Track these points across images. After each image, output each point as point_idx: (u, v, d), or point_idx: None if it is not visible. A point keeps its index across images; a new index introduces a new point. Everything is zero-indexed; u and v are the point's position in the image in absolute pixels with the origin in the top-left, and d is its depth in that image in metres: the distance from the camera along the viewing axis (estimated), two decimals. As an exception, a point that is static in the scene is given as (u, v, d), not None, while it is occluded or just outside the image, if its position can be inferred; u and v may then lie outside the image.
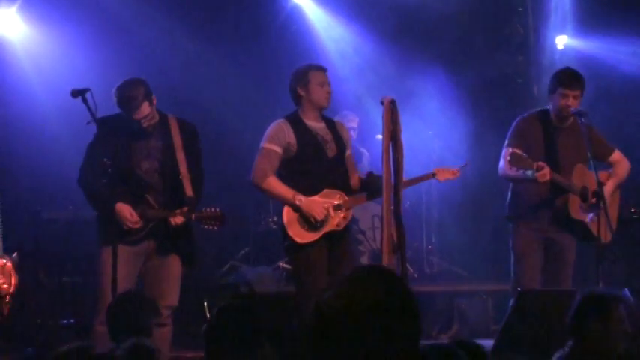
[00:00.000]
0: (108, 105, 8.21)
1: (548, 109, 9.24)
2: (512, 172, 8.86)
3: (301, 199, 8.37)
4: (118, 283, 7.83)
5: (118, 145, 8.19)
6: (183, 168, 8.23)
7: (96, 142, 8.17)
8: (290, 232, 8.43)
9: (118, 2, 12.25)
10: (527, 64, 13.74)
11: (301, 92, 8.50)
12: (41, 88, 11.75)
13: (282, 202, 8.49)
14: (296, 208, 8.40)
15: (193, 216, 8.18)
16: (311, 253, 8.42)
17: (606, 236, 8.83)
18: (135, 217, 8.07)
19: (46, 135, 11.55)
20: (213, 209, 8.32)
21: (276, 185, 8.45)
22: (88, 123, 7.87)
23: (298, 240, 8.42)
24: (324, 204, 8.42)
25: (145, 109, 8.10)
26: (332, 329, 3.08)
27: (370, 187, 8.65)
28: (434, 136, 12.43)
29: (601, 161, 9.21)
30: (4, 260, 9.37)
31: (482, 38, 13.64)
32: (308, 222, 8.39)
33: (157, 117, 8.24)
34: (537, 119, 9.27)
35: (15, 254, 9.51)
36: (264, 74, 12.94)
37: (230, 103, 12.20)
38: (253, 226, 11.27)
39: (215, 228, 8.47)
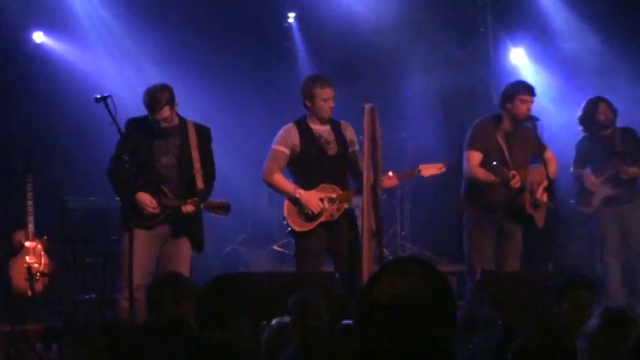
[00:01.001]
0: (126, 108, 8.36)
1: (500, 115, 9.29)
2: (481, 175, 9.01)
3: (301, 193, 8.53)
4: (140, 264, 7.99)
5: (142, 142, 8.29)
6: (197, 164, 8.31)
7: (122, 140, 8.21)
8: (290, 222, 8.60)
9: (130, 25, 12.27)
10: (487, 76, 13.69)
11: (308, 104, 8.64)
12: (69, 94, 11.72)
13: (285, 195, 8.63)
14: (295, 202, 8.54)
15: (203, 205, 8.26)
16: (308, 240, 8.59)
17: (540, 222, 9.09)
18: (154, 204, 8.17)
19: (72, 135, 11.53)
20: (220, 200, 8.43)
21: (280, 181, 8.63)
22: (110, 124, 7.89)
23: (297, 229, 8.60)
24: (319, 196, 8.55)
25: (165, 112, 8.17)
26: (384, 316, 2.91)
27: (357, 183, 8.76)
28: (408, 139, 12.41)
29: (537, 157, 9.31)
30: (35, 243, 9.47)
31: (447, 54, 13.58)
32: (305, 213, 8.53)
33: (177, 120, 8.33)
34: (492, 123, 9.31)
35: (44, 238, 9.60)
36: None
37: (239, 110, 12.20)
38: (251, 215, 11.31)
39: (221, 216, 8.59)
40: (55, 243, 9.78)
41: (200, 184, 8.31)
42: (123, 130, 8.11)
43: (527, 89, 9.25)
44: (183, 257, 8.36)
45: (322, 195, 8.58)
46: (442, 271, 2.98)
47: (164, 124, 8.25)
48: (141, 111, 8.30)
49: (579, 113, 10.21)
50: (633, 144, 9.95)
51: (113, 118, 7.94)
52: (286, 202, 8.64)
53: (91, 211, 10.78)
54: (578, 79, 12.43)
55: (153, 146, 8.33)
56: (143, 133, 8.33)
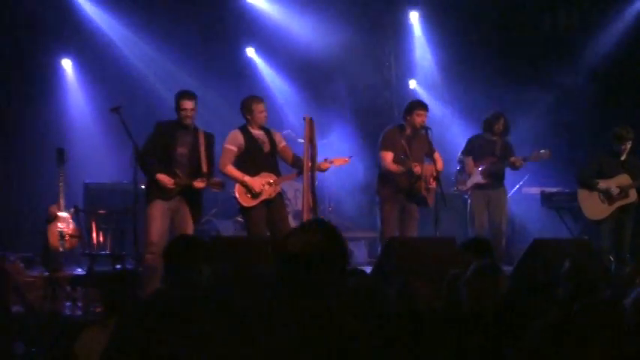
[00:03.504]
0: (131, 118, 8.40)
1: (403, 124, 9.31)
2: (394, 168, 9.06)
3: (247, 179, 8.56)
4: (158, 226, 8.20)
5: (166, 137, 8.35)
6: (202, 155, 8.39)
7: (150, 136, 8.34)
8: (240, 201, 8.61)
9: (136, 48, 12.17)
10: (391, 99, 13.72)
11: (248, 116, 8.66)
12: (90, 104, 11.72)
13: (236, 180, 8.63)
14: (243, 184, 8.57)
15: (207, 182, 8.35)
16: (253, 213, 8.61)
17: (431, 203, 9.11)
18: (171, 181, 8.23)
19: (93, 132, 11.53)
20: (216, 178, 8.52)
21: (231, 170, 8.59)
22: (128, 136, 8.00)
23: (245, 204, 8.60)
24: (261, 181, 8.59)
25: (191, 104, 8.30)
26: (295, 262, 2.97)
27: (299, 166, 8.78)
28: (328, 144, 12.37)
29: (429, 157, 9.26)
30: (65, 213, 9.45)
31: (364, 81, 13.58)
32: (251, 193, 8.57)
33: (192, 125, 8.41)
34: (397, 130, 9.32)
35: (72, 209, 9.56)
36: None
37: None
38: (220, 194, 11.31)
39: (218, 190, 8.76)
40: (80, 213, 9.73)
41: (205, 169, 8.37)
42: (133, 134, 8.07)
43: (422, 106, 9.31)
44: (188, 226, 8.37)
45: (262, 180, 8.60)
46: (338, 231, 3.08)
47: (185, 118, 8.33)
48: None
49: (485, 118, 10.08)
50: (507, 152, 9.89)
51: (123, 123, 7.98)
52: (237, 186, 8.63)
53: (106, 189, 10.78)
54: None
55: (174, 139, 8.37)
56: (169, 131, 8.38)
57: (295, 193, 11.61)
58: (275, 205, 8.68)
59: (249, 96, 8.91)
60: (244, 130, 8.69)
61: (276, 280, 3.01)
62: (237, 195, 8.64)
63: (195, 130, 8.49)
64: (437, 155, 9.33)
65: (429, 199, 9.16)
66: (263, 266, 6.65)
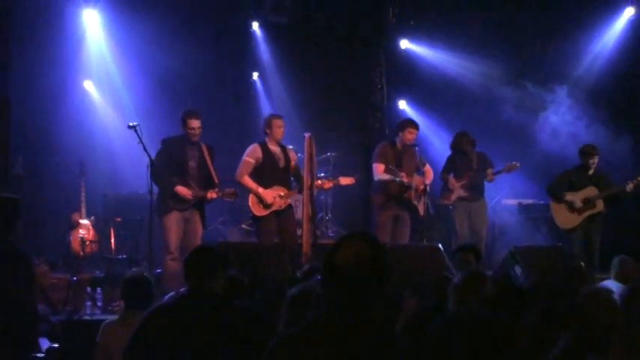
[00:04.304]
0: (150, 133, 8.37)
1: (394, 140, 9.39)
2: (385, 178, 9.04)
3: (260, 190, 8.60)
4: (175, 235, 8.24)
5: (178, 152, 8.38)
6: (210, 166, 8.42)
7: (160, 153, 8.34)
8: (252, 210, 8.68)
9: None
10: (382, 118, 13.73)
11: (267, 131, 8.73)
12: (109, 122, 11.76)
13: (250, 190, 8.67)
14: (257, 195, 8.61)
15: (221, 193, 8.40)
16: (264, 221, 8.67)
17: (421, 213, 9.11)
18: (190, 193, 8.28)
19: (112, 147, 11.46)
20: (230, 188, 8.56)
21: (247, 181, 8.66)
22: (137, 143, 7.96)
23: (257, 214, 8.67)
24: (273, 194, 8.64)
25: (197, 123, 8.35)
26: (342, 274, 2.77)
27: (299, 183, 8.86)
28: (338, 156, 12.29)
29: (419, 170, 9.29)
30: (87, 221, 9.48)
31: (360, 101, 13.62)
32: (263, 203, 8.62)
33: (198, 139, 8.43)
34: (389, 145, 9.40)
35: (92, 218, 9.59)
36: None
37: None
38: (227, 204, 11.28)
39: (232, 199, 8.82)
40: (99, 221, 9.75)
41: (216, 179, 8.43)
42: (149, 147, 8.07)
43: (414, 124, 9.38)
44: (198, 232, 8.44)
45: (274, 193, 8.65)
46: (382, 244, 2.88)
47: (192, 136, 8.35)
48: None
49: (452, 140, 10.17)
50: (484, 164, 9.97)
51: (140, 139, 7.98)
52: (251, 196, 8.69)
53: (123, 199, 10.72)
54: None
55: (185, 154, 8.40)
56: (178, 146, 8.41)
57: (295, 202, 11.60)
58: (285, 215, 8.73)
59: (270, 113, 9.07)
60: (263, 145, 8.77)
61: (322, 291, 2.84)
62: (250, 204, 8.69)
63: (199, 143, 8.51)
64: (427, 168, 9.43)
65: (420, 209, 9.16)
66: (273, 270, 6.65)
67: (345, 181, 9.12)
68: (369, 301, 2.78)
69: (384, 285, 2.81)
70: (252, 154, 8.75)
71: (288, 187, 8.81)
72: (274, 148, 8.77)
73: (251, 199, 8.70)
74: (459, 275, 4.56)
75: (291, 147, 9.23)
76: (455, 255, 6.72)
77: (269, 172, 8.72)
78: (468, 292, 4.32)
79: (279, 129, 8.72)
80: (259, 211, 8.65)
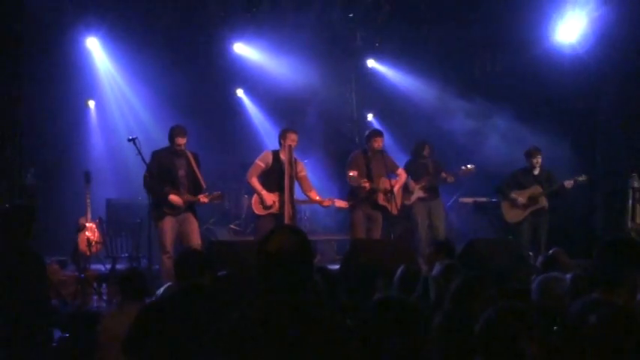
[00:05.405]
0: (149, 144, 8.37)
1: (365, 148, 9.37)
2: (353, 183, 8.99)
3: (263, 193, 8.56)
4: (169, 238, 8.16)
5: (168, 162, 8.28)
6: (197, 173, 8.33)
7: (151, 164, 8.19)
8: (253, 207, 8.64)
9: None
10: (353, 128, 13.76)
11: (282, 141, 8.67)
12: (109, 136, 11.71)
13: (255, 191, 8.63)
14: (259, 196, 8.58)
15: (209, 197, 8.31)
16: (262, 220, 8.61)
17: (394, 211, 9.09)
18: (181, 200, 8.19)
19: (113, 158, 11.46)
20: (217, 192, 8.46)
21: (254, 182, 8.61)
22: (137, 155, 7.89)
23: (257, 212, 8.63)
24: (273, 197, 8.59)
25: (184, 140, 8.24)
26: (274, 261, 2.86)
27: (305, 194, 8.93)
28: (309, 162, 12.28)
29: (393, 173, 9.36)
30: (92, 224, 9.42)
31: (330, 114, 13.67)
32: (263, 204, 8.58)
33: (184, 149, 8.35)
34: (361, 154, 9.36)
35: (97, 220, 9.53)
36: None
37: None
38: (217, 206, 11.27)
39: (220, 202, 8.77)
40: (103, 223, 9.69)
41: (203, 185, 8.34)
42: (147, 158, 8.00)
43: (379, 133, 9.39)
44: (195, 231, 8.35)
45: (275, 197, 8.59)
46: (304, 232, 3.00)
47: (179, 148, 8.26)
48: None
49: (413, 148, 10.20)
50: (438, 169, 9.96)
51: (139, 151, 7.88)
52: (255, 195, 8.66)
53: (124, 204, 10.72)
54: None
55: (174, 165, 8.33)
56: (167, 157, 8.31)
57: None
58: (282, 218, 8.57)
59: (287, 127, 8.96)
60: (275, 153, 8.72)
61: (258, 277, 2.90)
62: (252, 203, 8.66)
63: (185, 152, 8.40)
64: (400, 171, 9.47)
65: (391, 208, 9.11)
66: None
67: (339, 203, 9.05)
68: (299, 281, 2.85)
69: (310, 267, 2.92)
70: (263, 158, 8.70)
71: (290, 194, 8.66)
72: (284, 157, 8.67)
73: (254, 199, 8.64)
74: (439, 268, 4.56)
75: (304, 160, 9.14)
76: (429, 249, 6.64)
77: (275, 177, 8.63)
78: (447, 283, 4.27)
79: (292, 142, 8.63)
80: (259, 211, 8.60)
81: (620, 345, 2.59)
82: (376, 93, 13.47)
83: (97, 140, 11.85)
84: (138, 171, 8.47)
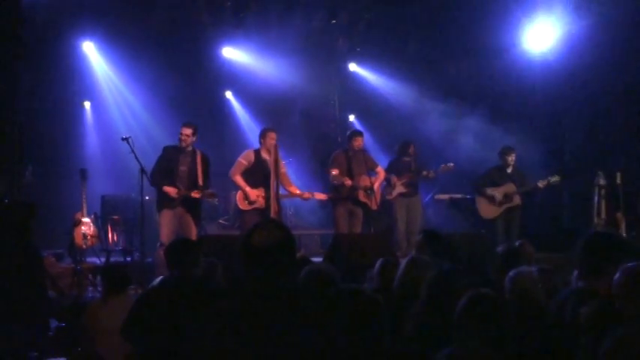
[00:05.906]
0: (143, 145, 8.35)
1: (347, 148, 9.37)
2: (335, 181, 9.08)
3: (247, 189, 8.58)
4: (167, 230, 8.15)
5: (171, 158, 8.31)
6: (199, 172, 8.33)
7: (159, 158, 8.30)
8: (238, 203, 8.67)
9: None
10: (336, 129, 13.81)
11: (262, 140, 8.71)
12: (105, 135, 11.68)
13: (239, 188, 8.66)
14: (244, 192, 8.60)
15: (202, 194, 8.29)
16: (246, 215, 8.62)
17: (374, 207, 9.12)
18: (175, 191, 8.19)
19: (108, 156, 11.40)
20: (211, 190, 8.45)
21: (238, 179, 8.64)
22: (130, 152, 7.83)
23: (241, 207, 8.65)
24: (257, 193, 8.62)
25: (188, 131, 8.27)
26: (257, 255, 2.87)
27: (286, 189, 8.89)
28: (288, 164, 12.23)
29: (372, 171, 9.40)
30: (88, 219, 9.38)
31: (314, 115, 13.69)
32: (247, 200, 8.60)
33: (191, 148, 8.36)
34: (343, 153, 9.38)
35: (92, 215, 9.49)
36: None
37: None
38: (206, 203, 11.23)
39: (212, 200, 8.71)
40: (98, 218, 9.66)
41: (201, 182, 8.32)
42: (140, 157, 7.92)
43: (359, 133, 9.43)
44: (192, 227, 8.33)
45: (259, 193, 8.61)
46: (288, 227, 3.00)
47: (185, 143, 8.27)
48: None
49: (397, 146, 10.21)
50: (420, 167, 9.95)
51: (132, 149, 7.83)
52: (239, 192, 8.68)
53: (118, 199, 10.67)
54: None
55: (177, 160, 8.33)
56: (173, 153, 8.34)
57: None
58: (266, 213, 8.59)
59: (266, 127, 8.98)
60: (257, 152, 8.73)
61: (242, 268, 2.90)
62: (237, 199, 8.67)
63: (194, 151, 8.43)
64: (379, 169, 9.50)
65: (371, 204, 9.13)
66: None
67: (319, 196, 9.12)
68: (281, 272, 2.86)
69: (293, 260, 2.93)
70: (246, 157, 8.73)
71: (277, 191, 8.70)
72: (266, 156, 8.69)
73: (239, 195, 8.66)
74: (408, 260, 4.45)
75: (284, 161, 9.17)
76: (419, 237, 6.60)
77: (257, 175, 8.65)
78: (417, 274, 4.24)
79: (272, 140, 8.65)
80: (244, 206, 8.61)
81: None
82: (357, 95, 13.49)
83: (92, 139, 11.84)
84: (131, 169, 8.45)
